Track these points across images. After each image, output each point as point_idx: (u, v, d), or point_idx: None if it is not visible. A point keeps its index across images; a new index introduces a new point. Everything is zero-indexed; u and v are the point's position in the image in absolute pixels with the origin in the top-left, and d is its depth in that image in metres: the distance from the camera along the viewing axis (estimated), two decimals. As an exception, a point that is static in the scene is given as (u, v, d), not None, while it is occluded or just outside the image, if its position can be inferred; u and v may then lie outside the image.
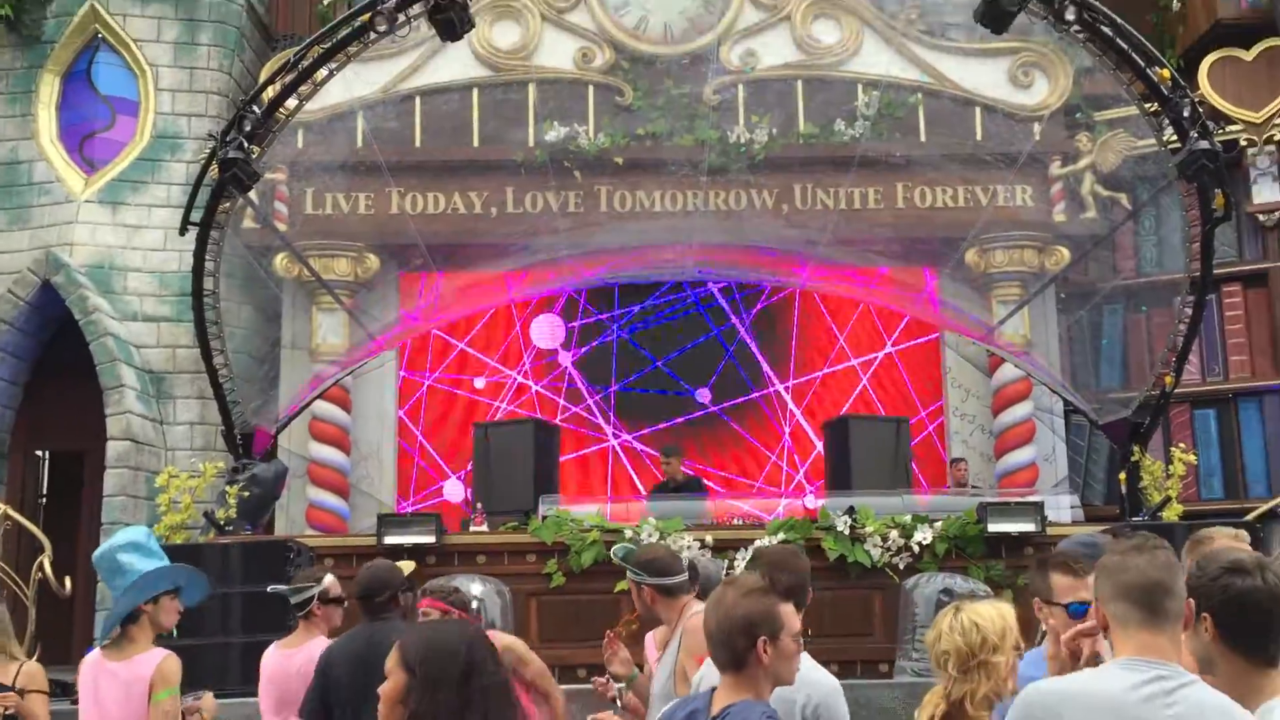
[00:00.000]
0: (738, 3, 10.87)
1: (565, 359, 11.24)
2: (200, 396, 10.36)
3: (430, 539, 7.20)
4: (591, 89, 10.80)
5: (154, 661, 3.83)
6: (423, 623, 3.80)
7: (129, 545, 3.94)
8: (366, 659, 4.02)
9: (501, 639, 4.23)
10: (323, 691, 4.19)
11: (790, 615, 2.73)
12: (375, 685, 2.29)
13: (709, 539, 7.26)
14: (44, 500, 11.75)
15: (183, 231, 7.27)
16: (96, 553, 4.02)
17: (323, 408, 10.37)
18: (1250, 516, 8.13)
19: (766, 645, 2.63)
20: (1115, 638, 2.37)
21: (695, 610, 3.71)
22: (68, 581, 8.27)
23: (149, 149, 10.89)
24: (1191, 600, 2.37)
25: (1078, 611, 3.07)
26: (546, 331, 11.27)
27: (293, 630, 4.80)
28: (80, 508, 11.04)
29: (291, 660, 4.58)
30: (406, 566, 4.97)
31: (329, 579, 4.73)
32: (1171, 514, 7.59)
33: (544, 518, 7.48)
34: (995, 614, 2.90)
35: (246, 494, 7.47)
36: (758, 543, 7.22)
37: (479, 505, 8.17)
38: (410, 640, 2.29)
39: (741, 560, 7.10)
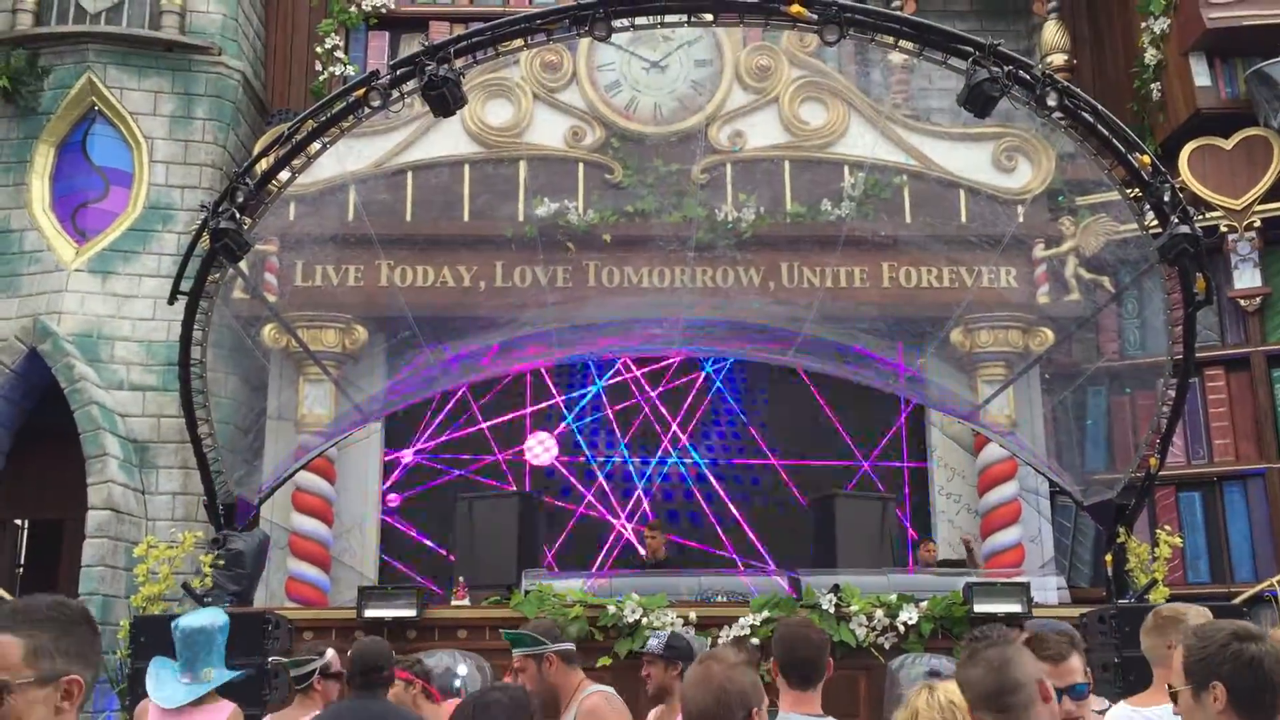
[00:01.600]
0: (726, 84, 11.07)
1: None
2: (184, 466, 10.30)
3: (411, 613, 7.12)
4: (581, 166, 10.94)
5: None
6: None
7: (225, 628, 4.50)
8: None
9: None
10: None
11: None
12: None
13: (693, 616, 7.20)
14: (20, 570, 11.60)
15: (172, 300, 7.29)
16: (198, 625, 4.43)
17: (306, 479, 10.32)
18: (1237, 600, 8.11)
19: (757, 716, 2.64)
20: None
21: (590, 690, 3.64)
22: (41, 653, 8.12)
23: (141, 219, 10.96)
24: (1042, 681, 2.53)
25: (1081, 692, 3.13)
26: (539, 451, 11.33)
27: (278, 703, 4.76)
28: (58, 578, 10.89)
29: None
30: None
31: (330, 653, 4.71)
32: (1158, 596, 7.55)
33: (527, 592, 7.42)
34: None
35: (228, 569, 7.38)
36: (741, 620, 7.16)
37: (461, 579, 8.09)
38: None
39: (726, 638, 7.03)
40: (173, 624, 4.51)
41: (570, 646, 3.79)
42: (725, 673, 2.67)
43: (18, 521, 11.60)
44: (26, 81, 10.91)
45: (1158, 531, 8.05)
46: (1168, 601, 7.34)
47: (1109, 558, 7.66)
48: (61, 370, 10.31)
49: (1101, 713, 3.58)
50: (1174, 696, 2.43)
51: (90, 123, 11.12)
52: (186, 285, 7.24)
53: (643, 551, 10.05)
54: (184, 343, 7.37)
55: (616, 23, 6.56)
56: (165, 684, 4.35)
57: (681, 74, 11.14)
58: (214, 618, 4.52)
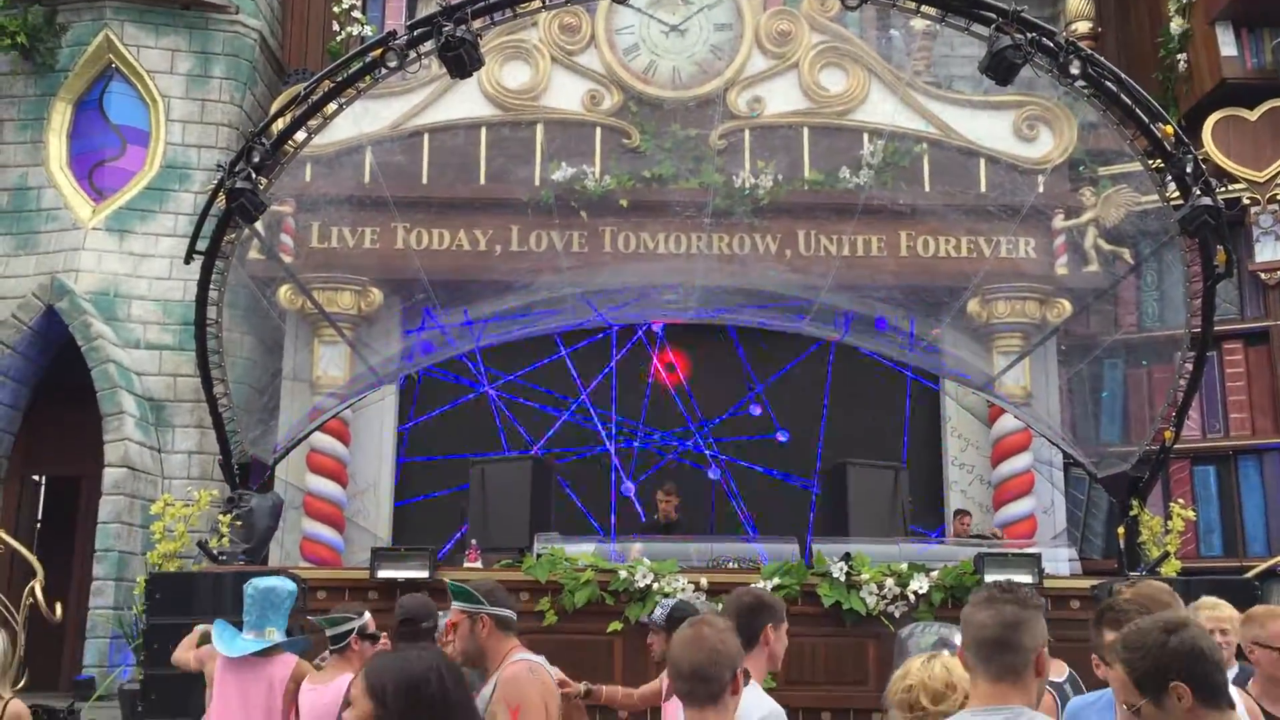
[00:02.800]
0: (746, 50, 10.98)
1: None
2: (199, 425, 10.37)
3: (423, 574, 7.16)
4: (599, 130, 10.89)
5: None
6: (388, 652, 3.71)
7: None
8: None
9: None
10: None
11: None
12: None
13: (703, 582, 7.22)
14: (39, 525, 11.72)
15: (188, 260, 7.30)
16: (269, 585, 4.83)
17: (321, 440, 10.37)
18: (1249, 574, 8.09)
19: (739, 676, 2.68)
20: (971, 685, 2.50)
21: (517, 658, 3.59)
22: (58, 607, 8.23)
23: (158, 178, 10.97)
24: (1045, 650, 2.45)
25: None
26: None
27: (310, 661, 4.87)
28: (74, 534, 11.00)
29: (322, 696, 4.60)
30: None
31: (367, 615, 4.77)
32: (1170, 569, 7.55)
33: (538, 556, 7.45)
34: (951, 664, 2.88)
35: (241, 526, 7.44)
36: (753, 586, 7.18)
37: (473, 541, 8.13)
38: (377, 668, 2.23)
39: (736, 604, 7.05)
40: (247, 582, 4.87)
41: (508, 613, 3.64)
42: (718, 635, 2.72)
43: (36, 477, 11.71)
44: (44, 38, 10.90)
45: (1171, 505, 8.02)
46: (1179, 575, 7.36)
47: (1121, 530, 7.65)
48: (78, 328, 10.36)
49: None
50: (1137, 711, 2.38)
51: (107, 80, 11.11)
52: (203, 245, 7.25)
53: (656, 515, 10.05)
54: (200, 303, 7.39)
55: (635, -15, 6.50)
56: (232, 639, 4.72)
57: (701, 38, 11.04)
58: (285, 582, 4.90)
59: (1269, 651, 3.74)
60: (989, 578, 7.10)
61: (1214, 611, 4.07)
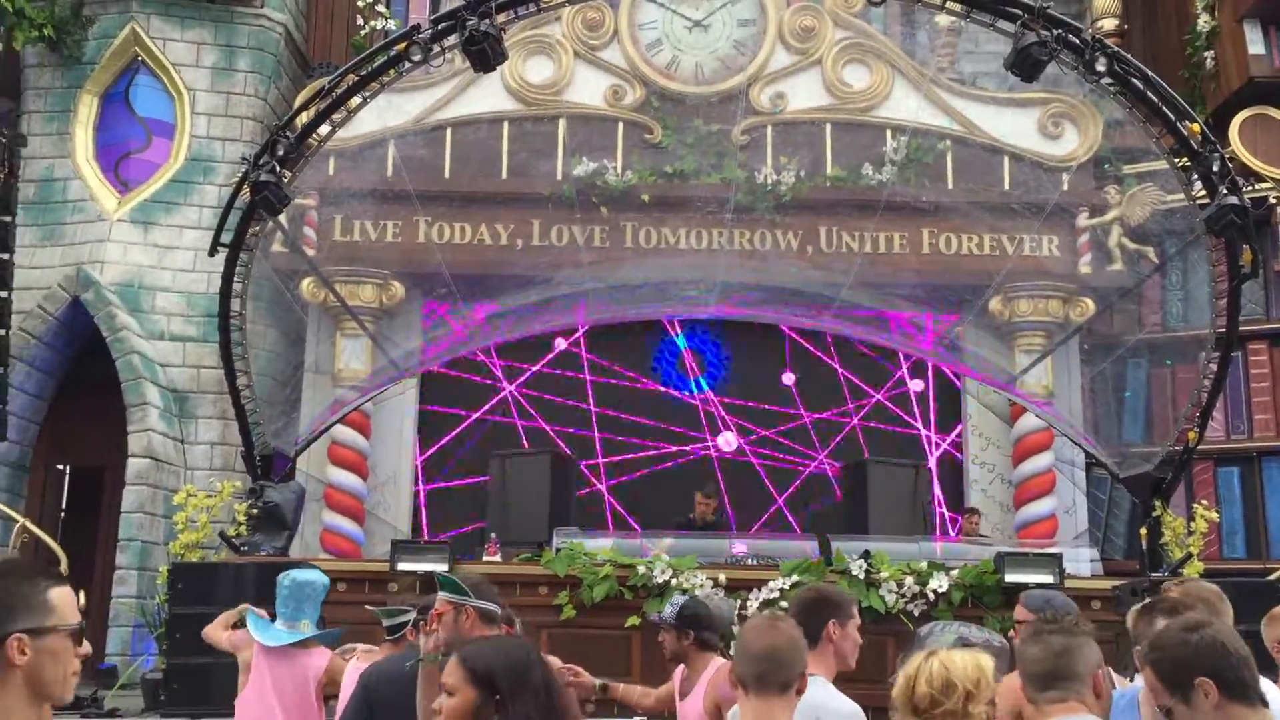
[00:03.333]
0: (769, 45, 10.95)
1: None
2: (222, 417, 10.43)
3: (443, 567, 7.18)
4: (621, 125, 10.88)
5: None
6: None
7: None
8: (408, 681, 4.03)
9: None
10: (367, 708, 4.18)
11: None
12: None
13: (722, 578, 7.22)
14: (63, 514, 11.82)
15: (212, 252, 7.34)
16: (306, 578, 4.90)
17: (343, 433, 10.42)
18: (1272, 576, 8.03)
19: (803, 679, 2.69)
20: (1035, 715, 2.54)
21: None
22: (82, 596, 8.29)
23: (183, 171, 11.04)
24: (1101, 672, 2.51)
25: None
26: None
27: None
28: (98, 523, 11.09)
29: None
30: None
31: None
32: (1193, 571, 7.51)
33: (557, 550, 7.47)
34: (972, 662, 2.81)
35: (264, 520, 7.48)
36: (770, 583, 7.18)
37: (493, 535, 8.16)
38: (477, 654, 2.21)
39: (754, 601, 7.05)
40: (282, 575, 4.96)
41: (493, 608, 3.66)
42: (791, 626, 2.76)
43: (60, 467, 11.81)
44: (71, 31, 10.97)
45: (1194, 506, 7.99)
46: (1201, 577, 7.31)
47: (1144, 531, 7.61)
48: (103, 319, 10.44)
49: None
50: (1168, 712, 2.40)
51: (133, 73, 11.18)
52: (227, 238, 7.29)
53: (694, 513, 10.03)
54: (224, 295, 7.44)
55: (659, -20, 6.49)
56: (267, 628, 4.83)
57: (724, 33, 11.02)
58: (319, 576, 5.00)
59: None
60: (1009, 577, 7.09)
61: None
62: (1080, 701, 2.46)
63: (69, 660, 2.00)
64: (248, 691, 4.88)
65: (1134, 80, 6.55)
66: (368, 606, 5.11)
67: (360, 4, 11.82)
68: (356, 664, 4.79)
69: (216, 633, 5.33)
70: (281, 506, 7.51)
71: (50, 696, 1.99)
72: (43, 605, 1.97)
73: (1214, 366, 7.39)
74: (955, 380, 11.23)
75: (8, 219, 9.21)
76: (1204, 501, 8.51)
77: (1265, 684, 3.28)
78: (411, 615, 4.71)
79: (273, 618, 4.93)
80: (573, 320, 10.69)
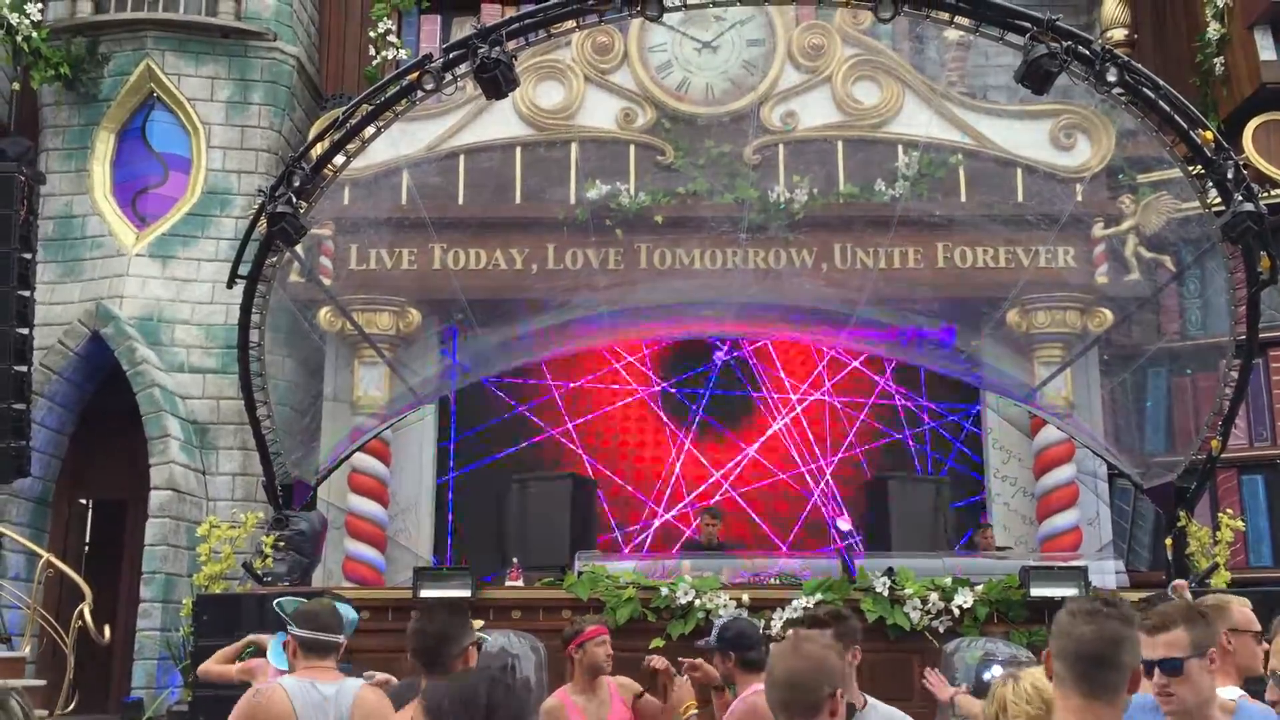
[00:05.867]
0: (779, 64, 10.98)
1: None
2: (243, 448, 10.47)
3: (465, 593, 7.18)
4: (633, 148, 10.92)
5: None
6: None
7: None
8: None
9: None
10: None
11: None
12: None
13: (745, 598, 7.20)
14: (86, 549, 11.87)
15: (230, 284, 7.39)
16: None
17: (362, 460, 10.44)
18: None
19: (841, 697, 2.59)
20: (1056, 696, 2.42)
21: (271, 680, 3.82)
22: (107, 630, 8.33)
23: (200, 204, 11.13)
24: (1142, 667, 2.40)
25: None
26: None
27: None
28: (122, 557, 11.13)
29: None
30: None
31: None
32: (1220, 581, 7.44)
33: (580, 574, 7.45)
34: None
35: (291, 550, 7.50)
36: (794, 602, 7.15)
37: (515, 560, 8.16)
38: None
39: (778, 620, 7.02)
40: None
41: (309, 636, 3.92)
42: (819, 647, 2.68)
43: (83, 501, 11.87)
44: (87, 69, 11.10)
45: (1219, 515, 7.91)
46: (1229, 586, 7.25)
47: (1169, 541, 7.55)
48: (123, 353, 10.51)
49: None
50: None
51: (149, 109, 11.29)
52: (244, 269, 7.34)
53: (698, 537, 10.04)
54: (242, 326, 7.48)
55: (668, 2, 6.53)
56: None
57: (733, 54, 11.06)
58: (348, 610, 4.83)
59: None
60: (1035, 592, 7.04)
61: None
62: (1114, 705, 2.38)
63: None
64: None
65: (1145, 90, 6.55)
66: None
67: (372, 34, 11.92)
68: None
69: (220, 667, 5.29)
70: (311, 536, 7.53)
71: None
72: None
73: (1235, 374, 7.35)
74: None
75: (28, 256, 9.30)
76: (1229, 510, 8.42)
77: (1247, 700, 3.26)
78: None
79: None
80: (590, 343, 10.71)
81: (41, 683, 8.52)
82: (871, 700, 3.41)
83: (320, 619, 4.01)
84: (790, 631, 2.81)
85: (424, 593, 7.16)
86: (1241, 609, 3.54)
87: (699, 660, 4.51)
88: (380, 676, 4.95)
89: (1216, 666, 2.91)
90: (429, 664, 3.51)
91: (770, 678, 2.65)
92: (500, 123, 10.86)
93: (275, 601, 4.11)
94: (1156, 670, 2.86)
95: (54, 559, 8.86)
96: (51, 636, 8.66)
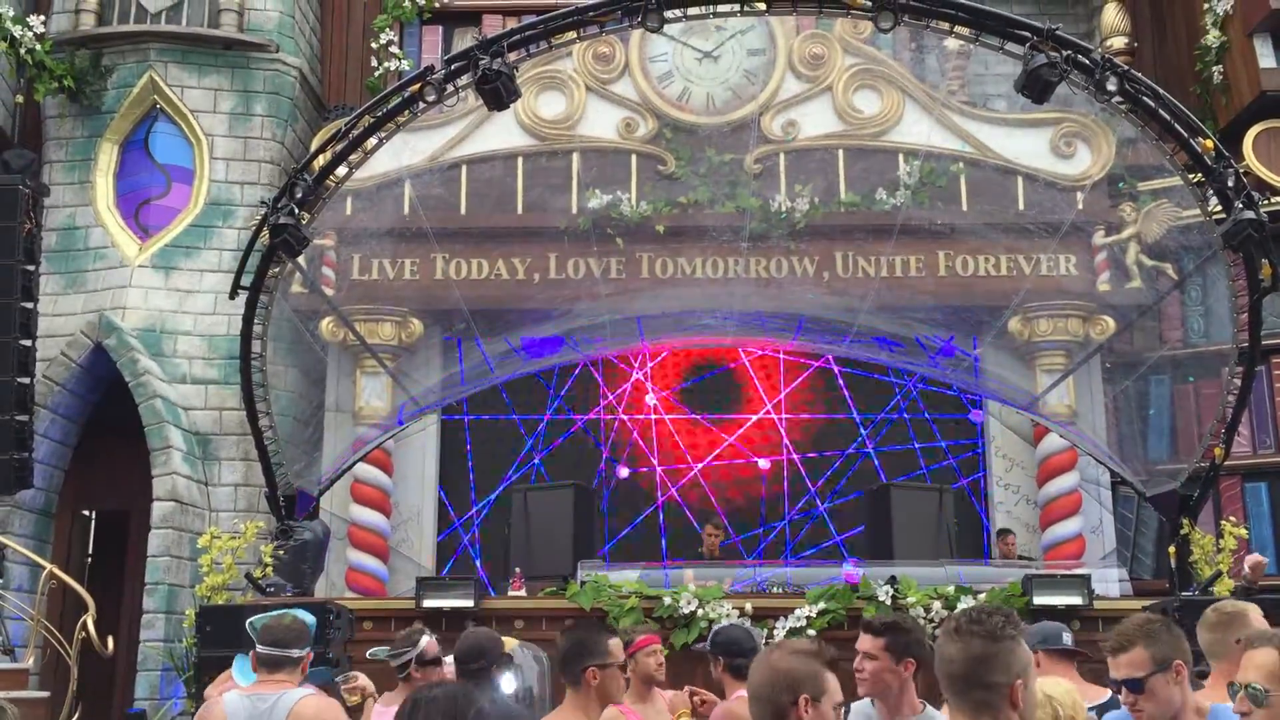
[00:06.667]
0: (779, 74, 11.01)
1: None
2: (245, 458, 10.48)
3: (468, 603, 7.19)
4: (634, 158, 10.94)
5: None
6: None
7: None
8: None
9: None
10: None
11: (835, 684, 2.67)
12: None
13: (748, 607, 7.20)
14: (89, 560, 11.87)
15: (233, 295, 7.40)
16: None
17: (365, 471, 10.44)
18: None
19: (808, 705, 2.56)
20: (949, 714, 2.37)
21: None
22: (110, 641, 8.32)
23: (202, 216, 11.15)
24: (1020, 682, 2.29)
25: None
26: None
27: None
28: (124, 568, 11.14)
29: (382, 718, 4.69)
30: (509, 643, 5.08)
31: (425, 640, 4.82)
32: (1223, 588, 7.43)
33: (582, 583, 7.45)
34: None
35: (294, 560, 7.49)
36: (797, 611, 7.15)
37: (517, 569, 8.16)
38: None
39: (781, 629, 7.02)
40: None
41: (261, 650, 4.08)
42: (780, 657, 2.66)
43: (86, 512, 11.87)
44: (90, 81, 11.14)
45: (1223, 523, 7.91)
46: (1232, 594, 7.24)
47: (1172, 549, 7.55)
48: (126, 364, 10.52)
49: None
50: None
51: (152, 121, 11.32)
52: (247, 280, 7.35)
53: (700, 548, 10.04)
54: (245, 337, 7.49)
55: (668, 13, 6.55)
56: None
57: (734, 63, 11.09)
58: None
59: None
60: (1038, 600, 7.04)
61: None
62: None
63: None
64: None
65: (1145, 98, 6.56)
66: (369, 651, 5.11)
67: (374, 45, 11.96)
68: (382, 708, 4.80)
69: (213, 687, 5.28)
70: (312, 546, 7.53)
71: None
72: None
73: (1238, 382, 7.35)
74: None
75: (31, 268, 9.32)
76: (1232, 518, 8.43)
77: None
78: (413, 654, 4.73)
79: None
80: (593, 352, 10.72)
81: (45, 694, 8.52)
82: (930, 710, 3.39)
83: (274, 633, 4.12)
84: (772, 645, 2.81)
85: (427, 603, 7.17)
86: (1259, 617, 3.56)
87: (707, 695, 4.62)
88: (358, 680, 4.95)
89: (1184, 678, 2.95)
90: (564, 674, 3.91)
91: (749, 689, 2.67)
92: (502, 133, 10.89)
93: (248, 621, 4.18)
94: (1124, 689, 2.95)
95: (57, 570, 8.85)
96: (55, 648, 8.66)
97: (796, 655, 2.66)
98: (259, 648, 4.09)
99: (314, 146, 9.62)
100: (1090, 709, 3.55)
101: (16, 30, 10.61)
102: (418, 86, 6.71)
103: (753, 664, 2.74)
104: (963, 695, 2.29)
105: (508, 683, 5.17)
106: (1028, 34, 6.41)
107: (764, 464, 11.23)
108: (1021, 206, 10.65)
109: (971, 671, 2.28)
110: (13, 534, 9.94)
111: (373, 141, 7.06)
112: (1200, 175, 6.76)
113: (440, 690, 3.27)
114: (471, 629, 4.83)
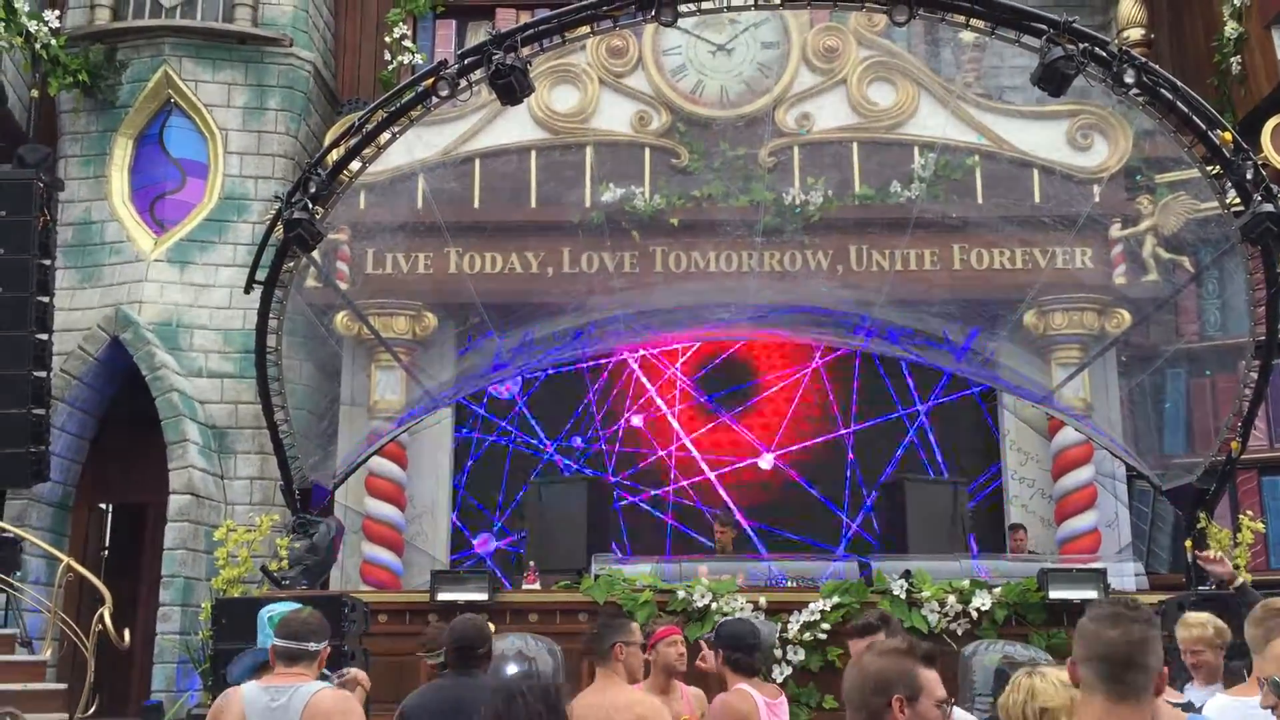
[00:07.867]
0: (793, 67, 10.97)
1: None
2: (260, 452, 10.51)
3: (483, 596, 7.20)
4: (648, 151, 10.93)
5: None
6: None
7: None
8: (447, 712, 4.09)
9: None
10: None
11: (933, 680, 2.62)
12: None
13: (762, 601, 7.19)
14: (106, 553, 11.93)
15: (248, 290, 7.42)
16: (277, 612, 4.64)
17: (379, 464, 10.47)
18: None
19: (903, 706, 2.50)
20: (1081, 701, 2.43)
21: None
22: (126, 634, 8.37)
23: (217, 210, 11.18)
24: (1166, 670, 2.39)
25: None
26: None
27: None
28: (141, 560, 11.19)
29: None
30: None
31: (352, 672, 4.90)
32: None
33: (596, 577, 7.46)
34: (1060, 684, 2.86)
35: (309, 553, 7.52)
36: (811, 605, 7.14)
37: (531, 563, 8.17)
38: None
39: (796, 623, 7.02)
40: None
41: (278, 644, 4.11)
42: (870, 659, 2.62)
43: (102, 505, 11.93)
44: (105, 75, 11.17)
45: (1239, 516, 7.87)
46: (1250, 588, 7.19)
47: (1189, 543, 7.51)
48: (142, 358, 10.56)
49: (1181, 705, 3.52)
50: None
51: (167, 115, 11.35)
52: (262, 274, 7.36)
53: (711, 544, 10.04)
54: (260, 331, 7.51)
55: (682, 6, 6.53)
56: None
57: (748, 57, 11.06)
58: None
59: None
60: (1054, 594, 7.02)
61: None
62: (1141, 708, 2.38)
63: None
64: None
65: (1163, 90, 6.51)
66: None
67: (387, 40, 11.97)
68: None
69: None
70: (321, 549, 7.54)
71: None
72: None
73: (1255, 376, 7.31)
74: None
75: (47, 262, 9.36)
76: (1249, 512, 8.38)
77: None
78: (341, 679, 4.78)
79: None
80: (606, 345, 10.72)
81: (62, 686, 8.57)
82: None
83: (291, 627, 4.16)
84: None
85: (441, 596, 7.19)
86: None
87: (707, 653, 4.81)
88: (353, 673, 4.94)
89: (1163, 681, 2.93)
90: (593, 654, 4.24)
91: (845, 693, 2.64)
92: (515, 127, 10.89)
93: (263, 610, 4.23)
94: None
95: (74, 563, 8.91)
96: (72, 640, 8.71)
97: (886, 655, 2.61)
98: (276, 641, 4.12)
99: (328, 141, 9.60)
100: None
101: (32, 25, 10.63)
102: (431, 81, 6.71)
103: (845, 670, 2.70)
104: (1118, 679, 2.36)
105: (511, 669, 5.19)
106: (1044, 27, 6.37)
107: (765, 464, 11.20)
108: (1037, 199, 10.60)
109: (1131, 654, 2.36)
110: (30, 527, 9.99)
111: (386, 136, 7.06)
112: (1218, 167, 6.71)
113: (531, 683, 3.26)
114: (460, 617, 4.81)
